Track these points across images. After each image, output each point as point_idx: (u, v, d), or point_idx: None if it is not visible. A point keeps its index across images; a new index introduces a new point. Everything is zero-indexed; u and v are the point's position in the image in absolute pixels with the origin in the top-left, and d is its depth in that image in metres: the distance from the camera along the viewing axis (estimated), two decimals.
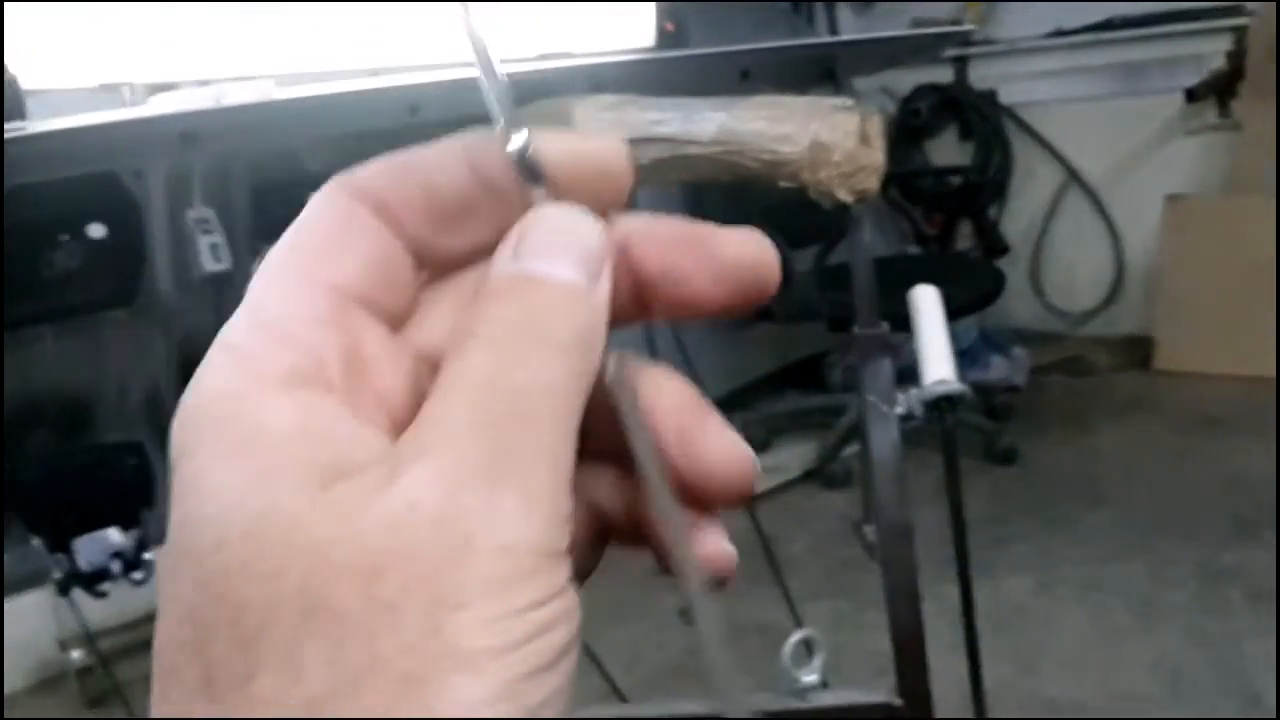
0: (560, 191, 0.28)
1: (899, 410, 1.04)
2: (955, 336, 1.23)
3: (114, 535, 1.70)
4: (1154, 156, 4.08)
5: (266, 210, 1.43)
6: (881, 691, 1.11)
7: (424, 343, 0.28)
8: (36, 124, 1.11)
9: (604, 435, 0.28)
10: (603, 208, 0.28)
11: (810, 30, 4.21)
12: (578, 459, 0.26)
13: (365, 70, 1.62)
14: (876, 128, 0.95)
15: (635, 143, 1.11)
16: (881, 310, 1.12)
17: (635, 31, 2.52)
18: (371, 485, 0.24)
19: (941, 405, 1.03)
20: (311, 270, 0.27)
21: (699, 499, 0.29)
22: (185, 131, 1.06)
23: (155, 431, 2.04)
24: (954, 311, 1.33)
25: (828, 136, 0.95)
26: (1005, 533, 2.90)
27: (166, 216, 1.36)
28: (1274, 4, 3.61)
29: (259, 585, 0.23)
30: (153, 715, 0.24)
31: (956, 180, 4.28)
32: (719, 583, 0.30)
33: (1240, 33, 3.82)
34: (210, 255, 1.15)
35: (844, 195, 0.96)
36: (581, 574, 0.28)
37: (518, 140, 0.27)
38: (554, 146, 0.28)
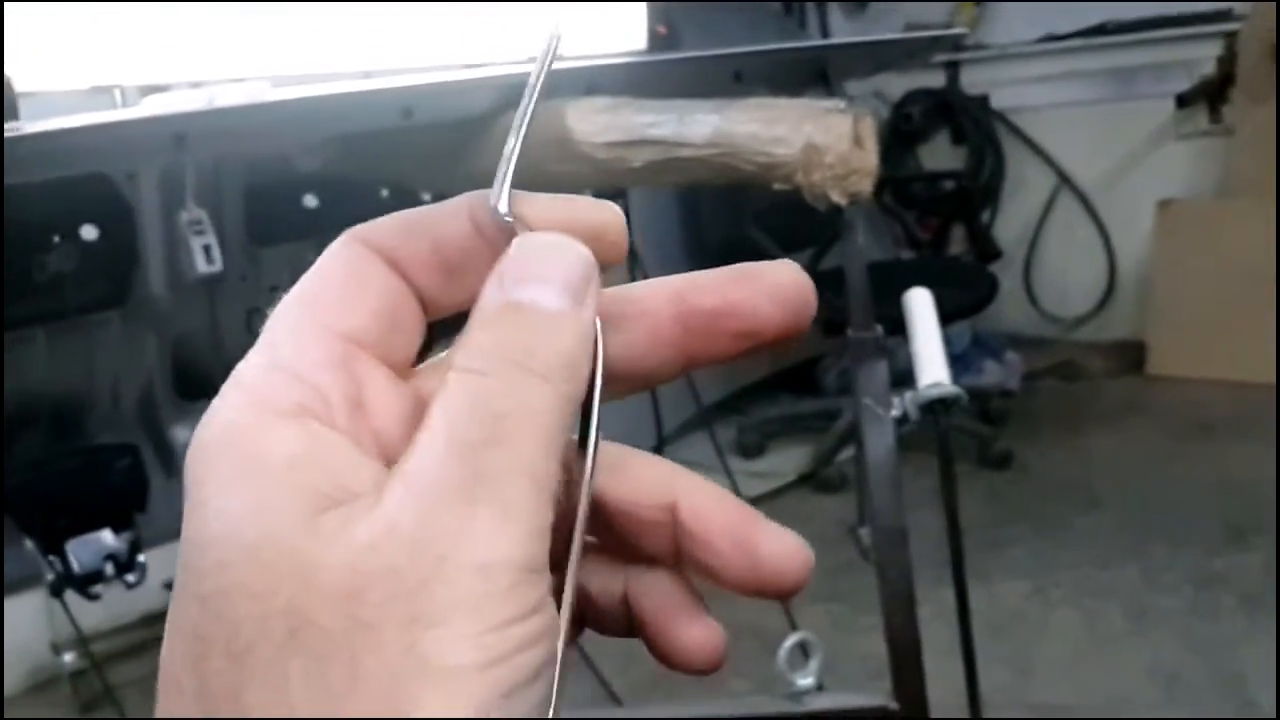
0: None
1: (894, 413, 1.03)
2: (948, 341, 1.23)
3: (107, 537, 1.69)
4: (1146, 161, 4.09)
5: (259, 212, 1.42)
6: (878, 695, 1.10)
7: (425, 388, 0.29)
8: (29, 125, 1.10)
9: (594, 528, 0.30)
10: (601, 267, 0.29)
11: (802, 33, 4.21)
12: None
13: (358, 72, 1.62)
14: (869, 130, 0.95)
15: (629, 145, 1.10)
16: (875, 314, 1.12)
17: (627, 35, 2.52)
18: (360, 510, 0.25)
19: (936, 408, 1.03)
20: (324, 318, 0.28)
21: (753, 592, 0.31)
22: (178, 133, 1.06)
23: (148, 433, 2.03)
24: (947, 316, 1.33)
25: (821, 139, 0.95)
26: (1000, 537, 2.90)
27: (159, 218, 1.35)
28: (1274, 4, 3.61)
29: (252, 604, 0.24)
30: None
31: (949, 185, 4.28)
32: (709, 669, 0.31)
33: (1231, 38, 3.83)
34: (203, 257, 1.14)
35: (837, 197, 0.96)
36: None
37: (505, 203, 0.28)
38: (544, 212, 0.29)
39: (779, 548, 0.30)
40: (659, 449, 1.71)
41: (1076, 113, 4.18)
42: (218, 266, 1.22)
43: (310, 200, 1.49)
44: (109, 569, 1.73)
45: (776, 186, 0.99)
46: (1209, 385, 3.72)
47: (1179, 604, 2.55)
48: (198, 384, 1.92)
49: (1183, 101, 3.95)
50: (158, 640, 0.26)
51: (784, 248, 3.44)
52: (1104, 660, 2.41)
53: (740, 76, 1.28)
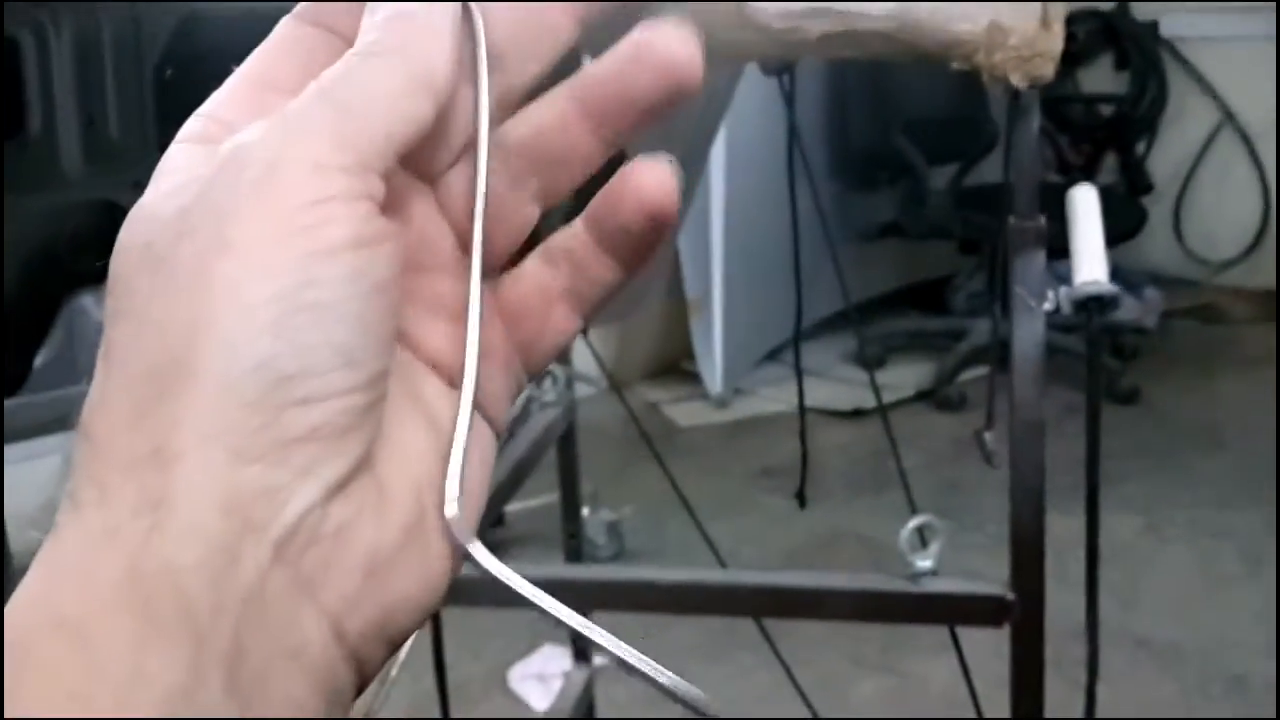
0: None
1: (1047, 306, 1.03)
2: None
3: None
4: None
5: None
6: (996, 585, 1.12)
7: None
8: None
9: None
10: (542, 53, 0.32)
11: None
12: None
13: None
14: (1059, 13, 0.93)
15: (807, 15, 1.10)
16: None
17: None
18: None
19: (1091, 305, 1.02)
20: (250, 74, 0.31)
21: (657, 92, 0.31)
22: None
23: None
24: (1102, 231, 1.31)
25: (1008, 18, 0.93)
26: (1117, 470, 2.86)
27: None
28: None
29: (122, 245, 0.28)
30: None
31: (1107, 110, 4.15)
32: (654, 227, 0.32)
33: None
34: None
35: (1018, 80, 0.94)
36: None
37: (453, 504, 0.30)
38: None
39: (666, 35, 0.31)
40: (796, 349, 1.72)
41: (1249, 48, 4.00)
42: None
43: None
44: None
45: (955, 66, 0.98)
46: None
47: None
48: None
49: None
50: None
51: (929, 160, 3.38)
52: (1214, 600, 2.38)
53: None
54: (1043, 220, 1.01)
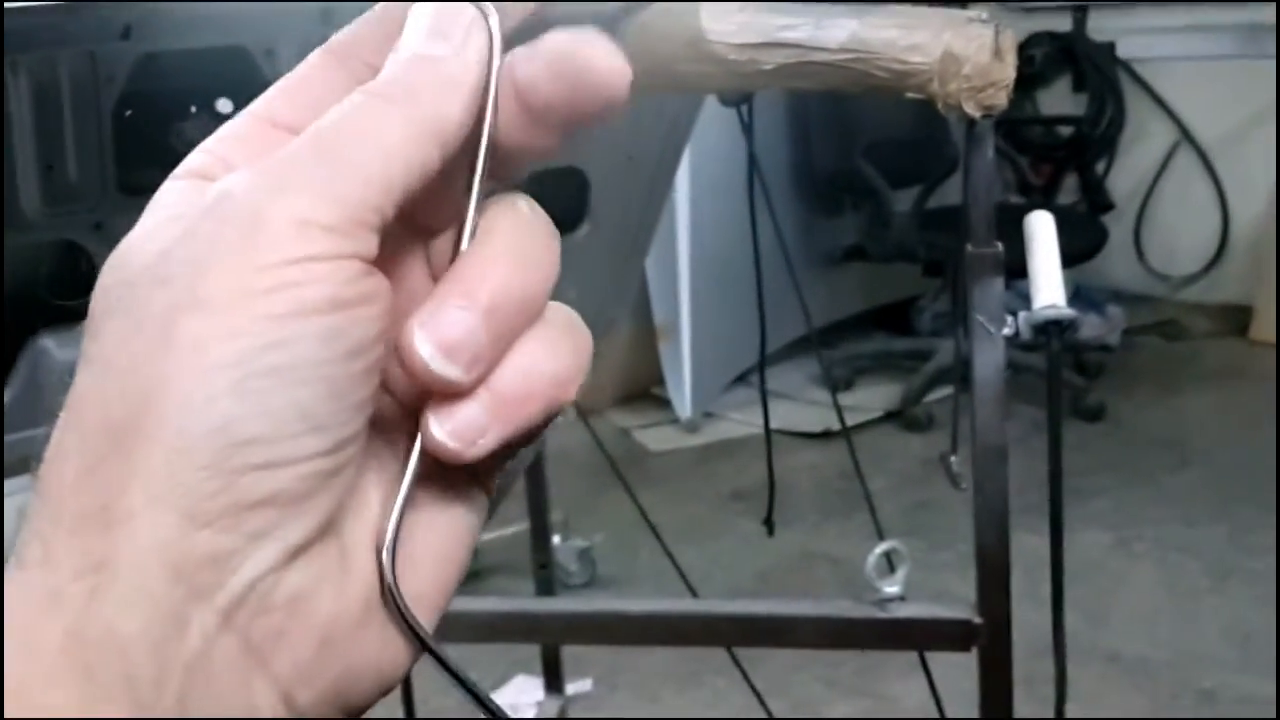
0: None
1: (1006, 331, 1.04)
2: None
3: None
4: (1270, 123, 3.97)
5: None
6: (963, 608, 1.12)
7: None
8: None
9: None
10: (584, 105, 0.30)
11: None
12: None
13: None
14: (1010, 42, 0.95)
15: (762, 47, 1.11)
16: None
17: None
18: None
19: (1050, 329, 1.03)
20: (261, 109, 0.30)
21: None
22: (325, 8, 1.08)
23: None
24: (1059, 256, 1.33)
25: (960, 48, 0.95)
26: (1085, 487, 2.88)
27: None
28: None
29: (109, 278, 0.28)
30: None
31: (1066, 131, 4.19)
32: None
33: None
34: None
35: (972, 109, 0.96)
36: None
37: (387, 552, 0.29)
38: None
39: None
40: (761, 373, 1.73)
41: (1204, 68, 4.06)
42: None
43: None
44: None
45: (909, 96, 0.99)
46: None
47: (1263, 567, 2.53)
48: None
49: None
50: None
51: (892, 183, 3.41)
52: (1181, 615, 2.40)
53: None
54: (1000, 247, 1.03)
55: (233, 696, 0.26)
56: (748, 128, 1.34)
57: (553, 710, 1.73)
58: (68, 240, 1.44)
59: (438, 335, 0.28)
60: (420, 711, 1.43)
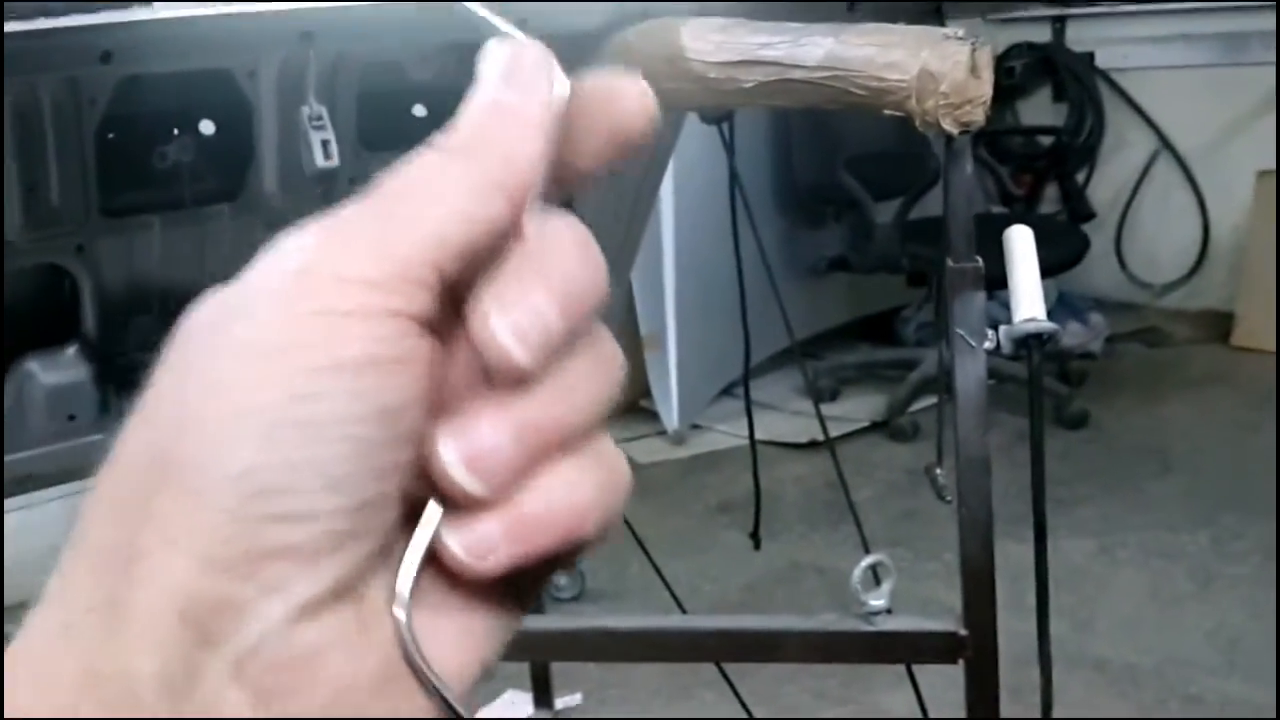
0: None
1: (987, 345, 1.05)
2: None
3: None
4: (1249, 130, 4.00)
5: (371, 117, 1.46)
6: (948, 620, 1.13)
7: None
8: (161, 10, 1.14)
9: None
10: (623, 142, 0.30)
11: None
12: None
13: None
14: (986, 59, 0.96)
15: (741, 65, 1.12)
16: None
17: None
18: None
19: (1031, 342, 1.04)
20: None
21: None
22: (305, 29, 1.09)
23: None
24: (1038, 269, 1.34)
25: (937, 66, 0.96)
26: (1069, 495, 2.90)
27: (276, 116, 1.39)
28: None
29: (180, 324, 0.28)
30: None
31: (1047, 141, 4.22)
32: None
33: None
34: (321, 152, 1.18)
35: (949, 126, 0.97)
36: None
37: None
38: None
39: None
40: (745, 386, 1.74)
41: (1183, 76, 4.09)
42: (335, 162, 1.25)
43: (420, 110, 1.53)
44: None
45: (886, 113, 1.00)
46: None
47: (1247, 571, 2.54)
48: None
49: None
50: None
51: (874, 195, 3.42)
52: (1166, 621, 2.41)
53: (854, 6, 1.29)
54: (979, 262, 1.03)
55: None
56: (729, 144, 1.35)
57: None
58: (50, 264, 1.44)
59: (467, 448, 0.27)
60: None
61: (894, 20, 1.09)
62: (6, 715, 0.25)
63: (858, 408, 3.54)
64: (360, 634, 0.27)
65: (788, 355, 3.45)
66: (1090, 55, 4.21)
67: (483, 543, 0.27)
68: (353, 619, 0.27)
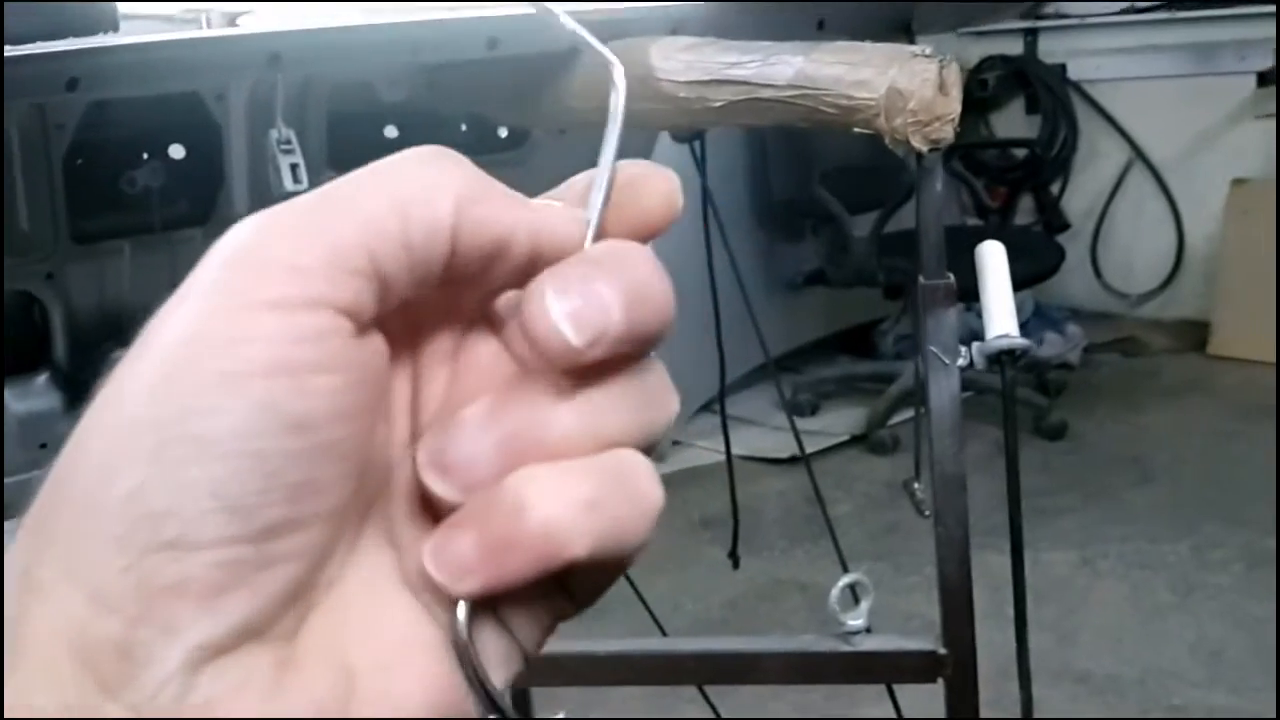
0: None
1: (960, 362, 1.05)
2: None
3: None
4: (1222, 139, 4.03)
5: (341, 140, 1.46)
6: (927, 639, 1.13)
7: None
8: (127, 36, 1.14)
9: None
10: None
11: None
12: None
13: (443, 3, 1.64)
14: (955, 77, 0.96)
15: (710, 84, 1.12)
16: None
17: None
18: None
19: (1004, 358, 1.04)
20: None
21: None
22: (274, 51, 1.08)
23: None
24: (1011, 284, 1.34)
25: (905, 84, 0.96)
26: (1050, 506, 2.90)
27: (245, 139, 1.39)
28: None
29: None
30: None
31: (1021, 153, 4.24)
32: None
33: None
34: (290, 175, 1.17)
35: (919, 144, 0.97)
36: None
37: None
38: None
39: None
40: (721, 402, 1.74)
41: (1154, 87, 4.12)
42: (304, 185, 1.25)
43: (391, 131, 1.52)
44: None
45: (856, 130, 1.00)
46: (1271, 368, 3.69)
47: (1228, 581, 2.55)
48: None
49: (1264, 80, 3.88)
50: None
51: (849, 209, 3.43)
52: (1148, 632, 2.41)
53: (823, 25, 1.29)
54: (951, 278, 1.03)
55: None
56: (700, 163, 1.35)
57: None
58: (21, 290, 1.43)
59: (442, 449, 0.27)
60: None
61: (864, 38, 1.09)
62: None
63: (837, 421, 3.54)
64: (277, 681, 0.24)
65: (767, 370, 3.45)
66: (1062, 67, 4.24)
67: (458, 566, 0.25)
68: (269, 663, 0.24)
